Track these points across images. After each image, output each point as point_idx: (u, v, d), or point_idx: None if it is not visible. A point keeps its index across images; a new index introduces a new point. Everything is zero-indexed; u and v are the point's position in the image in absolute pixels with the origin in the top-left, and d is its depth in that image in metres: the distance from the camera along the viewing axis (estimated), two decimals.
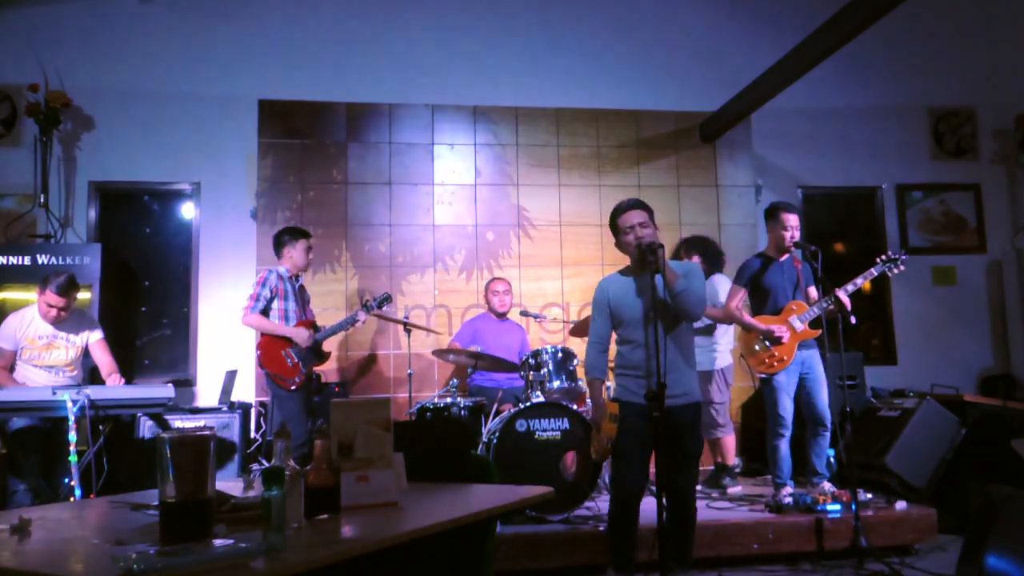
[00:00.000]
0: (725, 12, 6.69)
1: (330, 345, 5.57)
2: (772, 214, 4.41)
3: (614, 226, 3.38)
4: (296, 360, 4.53)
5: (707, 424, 4.97)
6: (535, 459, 4.08)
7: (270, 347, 4.54)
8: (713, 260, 5.20)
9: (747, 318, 4.39)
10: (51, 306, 4.27)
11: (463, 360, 4.91)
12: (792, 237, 4.31)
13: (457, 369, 5.62)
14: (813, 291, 4.39)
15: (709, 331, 4.97)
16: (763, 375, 4.35)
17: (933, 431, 4.84)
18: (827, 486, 4.30)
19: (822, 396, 4.29)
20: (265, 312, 4.59)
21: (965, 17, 7.04)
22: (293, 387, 4.51)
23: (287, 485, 1.63)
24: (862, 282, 4.35)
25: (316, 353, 4.66)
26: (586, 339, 3.50)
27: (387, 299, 4.98)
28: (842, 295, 4.16)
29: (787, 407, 4.29)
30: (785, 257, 4.41)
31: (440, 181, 6.11)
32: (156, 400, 4.01)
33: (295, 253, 4.70)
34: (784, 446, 4.34)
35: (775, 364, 4.27)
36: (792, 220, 4.32)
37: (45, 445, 4.23)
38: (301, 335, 4.53)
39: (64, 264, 5.20)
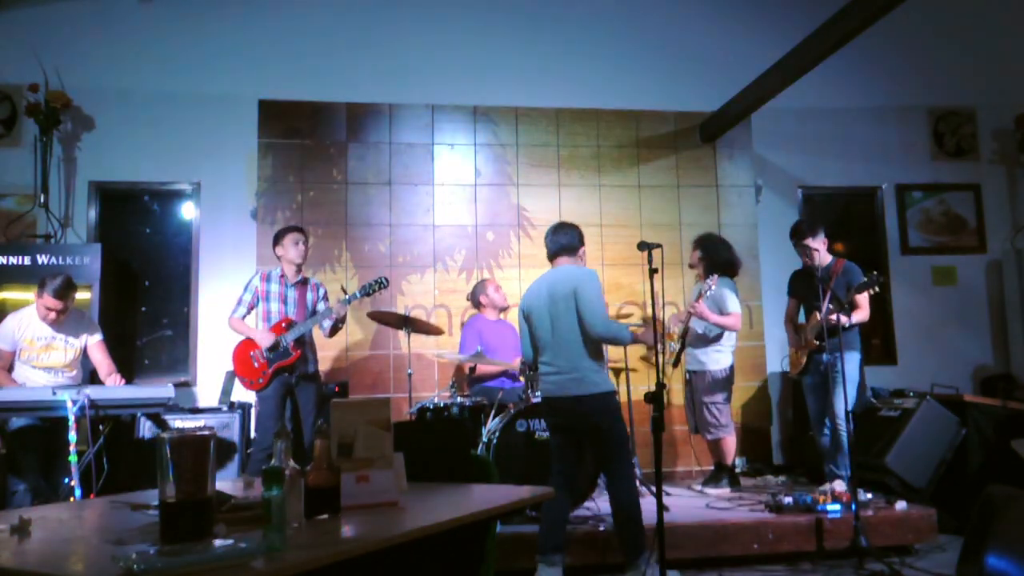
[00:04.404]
0: (725, 12, 6.69)
1: (330, 345, 5.59)
2: (791, 237, 4.76)
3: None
4: (262, 360, 4.57)
5: (708, 424, 4.97)
6: (535, 459, 4.08)
7: (239, 351, 4.65)
8: (715, 263, 5.06)
9: (789, 327, 4.97)
10: (49, 309, 4.25)
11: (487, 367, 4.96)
12: (816, 258, 4.60)
13: (457, 369, 5.62)
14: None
15: (718, 337, 4.99)
16: (794, 376, 4.93)
17: (933, 431, 4.84)
18: (831, 485, 4.31)
19: (833, 398, 4.49)
20: (254, 313, 4.74)
21: (965, 17, 7.03)
22: (256, 387, 4.59)
23: (287, 485, 1.63)
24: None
25: (280, 352, 4.60)
26: None
27: (379, 284, 4.74)
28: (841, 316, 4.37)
29: (811, 406, 4.81)
30: (825, 263, 4.65)
31: (440, 181, 6.10)
32: (156, 400, 4.01)
33: (283, 251, 4.75)
34: (822, 441, 4.72)
35: (794, 367, 4.85)
36: (812, 244, 4.61)
37: (45, 445, 4.22)
38: (262, 338, 4.57)
39: (64, 264, 5.19)
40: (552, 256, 3.77)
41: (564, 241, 3.72)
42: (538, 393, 4.42)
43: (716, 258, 5.08)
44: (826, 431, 4.63)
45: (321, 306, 4.81)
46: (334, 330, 4.81)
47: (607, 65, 6.49)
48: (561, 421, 3.60)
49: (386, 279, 4.82)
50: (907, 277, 6.74)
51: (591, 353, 3.50)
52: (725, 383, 4.98)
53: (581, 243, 3.77)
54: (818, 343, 4.53)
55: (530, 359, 3.81)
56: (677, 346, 5.12)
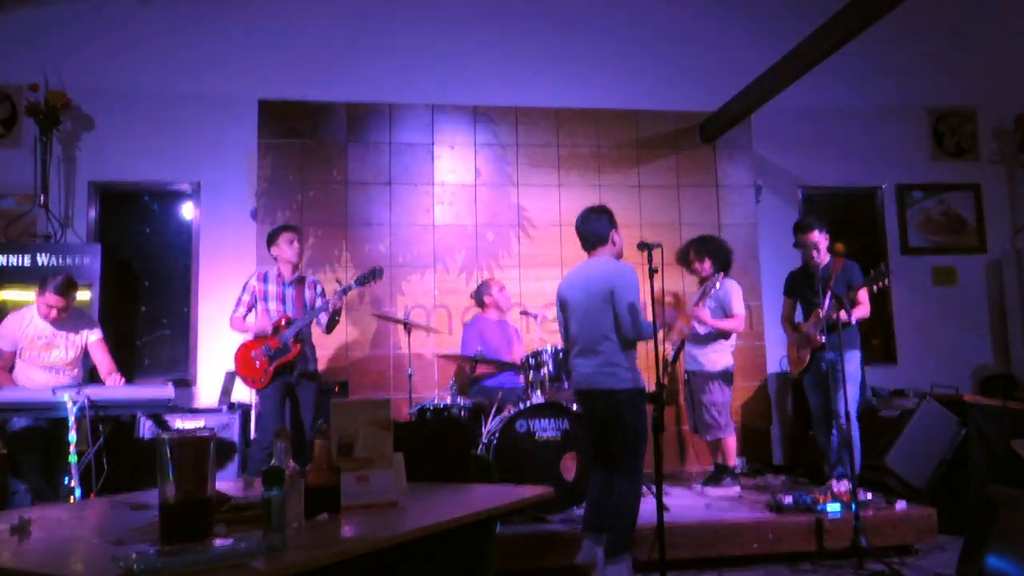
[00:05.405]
0: (725, 12, 6.69)
1: (330, 344, 5.59)
2: (796, 231, 4.76)
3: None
4: (263, 359, 4.57)
5: (708, 424, 4.97)
6: (535, 459, 4.09)
7: (241, 351, 4.65)
8: (724, 263, 5.13)
9: (787, 326, 4.95)
10: (51, 307, 4.27)
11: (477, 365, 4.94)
12: (815, 257, 4.64)
13: (457, 369, 5.62)
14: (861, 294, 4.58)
15: (726, 335, 5.00)
16: (795, 375, 4.91)
17: (933, 431, 4.84)
18: (836, 484, 4.31)
19: (835, 394, 4.47)
20: (253, 313, 4.75)
21: (965, 17, 7.03)
22: (258, 386, 4.60)
23: (287, 485, 1.63)
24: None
25: (280, 349, 4.62)
26: None
27: (374, 274, 4.83)
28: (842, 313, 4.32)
29: (812, 405, 4.81)
30: (824, 263, 4.65)
31: (440, 181, 6.10)
32: (156, 400, 4.01)
33: (278, 251, 4.77)
34: (823, 440, 4.73)
35: (796, 366, 4.83)
36: (811, 238, 4.65)
37: (45, 445, 4.22)
38: (261, 327, 4.60)
39: (64, 264, 5.19)
40: (585, 248, 3.80)
41: (595, 230, 3.72)
42: (538, 393, 4.43)
43: (725, 259, 5.15)
44: (834, 431, 4.62)
45: (319, 303, 4.82)
46: (331, 324, 4.83)
47: (607, 65, 6.49)
48: (594, 410, 3.63)
49: (380, 269, 4.90)
50: (907, 277, 6.74)
51: (624, 349, 3.55)
52: (724, 383, 4.98)
53: (611, 226, 3.73)
54: (823, 338, 4.53)
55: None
56: (676, 346, 5.13)
